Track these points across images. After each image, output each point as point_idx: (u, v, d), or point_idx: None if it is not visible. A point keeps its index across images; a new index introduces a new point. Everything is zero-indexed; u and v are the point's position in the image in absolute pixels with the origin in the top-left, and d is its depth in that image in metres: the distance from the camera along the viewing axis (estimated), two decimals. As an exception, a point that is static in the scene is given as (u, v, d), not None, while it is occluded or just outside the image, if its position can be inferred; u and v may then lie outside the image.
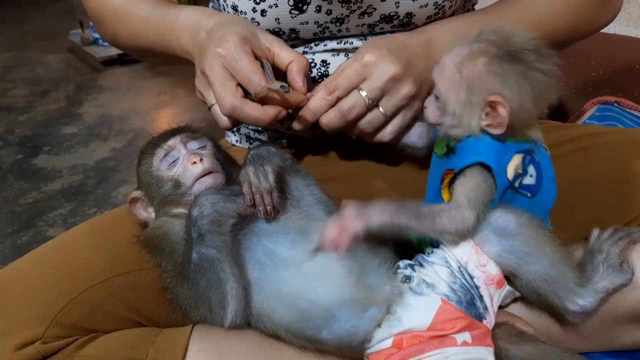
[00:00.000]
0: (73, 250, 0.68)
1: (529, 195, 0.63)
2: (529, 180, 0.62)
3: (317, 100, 0.68)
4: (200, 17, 0.72)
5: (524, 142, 0.62)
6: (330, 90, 0.67)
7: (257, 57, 0.66)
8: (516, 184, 0.61)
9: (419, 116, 0.73)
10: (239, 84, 0.64)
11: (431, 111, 0.66)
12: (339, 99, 0.68)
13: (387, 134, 0.71)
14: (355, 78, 0.67)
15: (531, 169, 0.63)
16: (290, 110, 0.68)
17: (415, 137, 0.74)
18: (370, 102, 0.67)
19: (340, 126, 0.69)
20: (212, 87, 0.66)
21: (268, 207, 0.61)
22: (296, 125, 0.70)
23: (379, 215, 0.59)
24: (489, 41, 0.61)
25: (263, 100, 0.64)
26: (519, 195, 0.62)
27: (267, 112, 0.63)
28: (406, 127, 0.73)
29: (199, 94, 0.72)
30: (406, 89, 0.68)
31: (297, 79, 0.66)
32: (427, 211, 0.60)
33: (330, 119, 0.68)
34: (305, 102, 0.68)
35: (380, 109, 0.68)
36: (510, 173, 0.60)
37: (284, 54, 0.67)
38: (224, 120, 0.68)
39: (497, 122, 0.59)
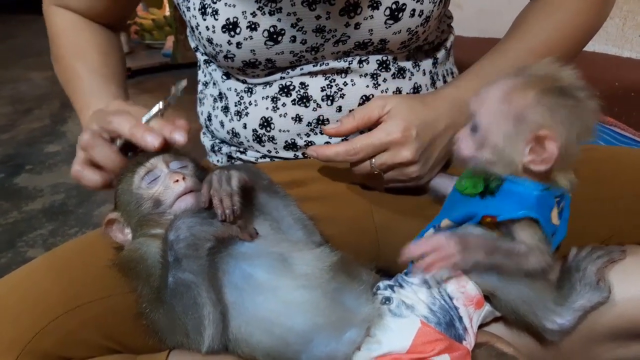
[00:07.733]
0: (48, 275, 0.66)
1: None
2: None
3: (335, 154, 0.71)
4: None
5: (557, 187, 0.60)
6: (351, 153, 0.70)
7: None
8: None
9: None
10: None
11: (465, 144, 0.61)
12: (355, 162, 0.72)
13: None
14: (377, 150, 0.70)
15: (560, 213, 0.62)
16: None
17: (437, 187, 0.74)
18: (375, 169, 0.71)
19: None
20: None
21: (227, 210, 0.60)
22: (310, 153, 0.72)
23: (477, 253, 0.58)
24: (537, 75, 0.58)
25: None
26: None
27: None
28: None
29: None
30: (411, 169, 0.71)
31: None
32: (513, 251, 0.59)
33: None
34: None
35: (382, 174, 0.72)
36: (554, 219, 0.60)
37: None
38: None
39: (542, 159, 0.56)
